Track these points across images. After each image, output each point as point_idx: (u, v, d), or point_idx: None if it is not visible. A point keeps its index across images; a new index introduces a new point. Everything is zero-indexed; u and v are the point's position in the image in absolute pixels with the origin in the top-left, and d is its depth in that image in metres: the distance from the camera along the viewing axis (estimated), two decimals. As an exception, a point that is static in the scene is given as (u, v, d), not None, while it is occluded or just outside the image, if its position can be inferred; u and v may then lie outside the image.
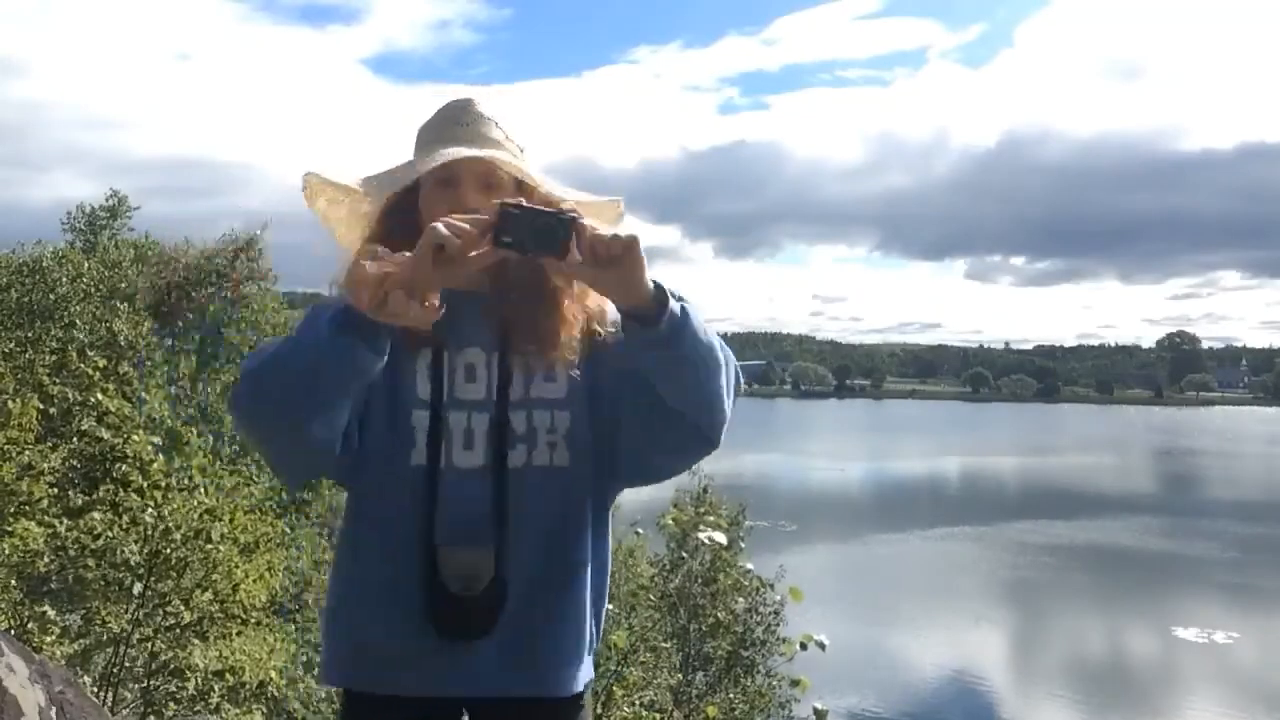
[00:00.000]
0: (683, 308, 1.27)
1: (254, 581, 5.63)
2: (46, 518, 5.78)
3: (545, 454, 1.44)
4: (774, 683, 6.93)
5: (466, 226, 1.20)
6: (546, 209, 1.22)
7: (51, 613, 5.32)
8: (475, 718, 1.51)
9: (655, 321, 1.26)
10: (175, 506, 5.19)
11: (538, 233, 1.20)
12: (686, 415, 1.37)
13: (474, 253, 1.21)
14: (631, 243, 1.20)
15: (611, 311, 1.42)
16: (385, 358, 1.29)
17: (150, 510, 5.16)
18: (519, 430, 1.43)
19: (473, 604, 1.39)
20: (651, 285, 1.24)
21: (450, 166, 1.39)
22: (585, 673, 1.50)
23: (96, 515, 5.27)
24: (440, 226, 1.19)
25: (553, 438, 1.44)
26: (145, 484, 5.26)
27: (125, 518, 5.21)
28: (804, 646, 4.26)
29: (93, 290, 11.05)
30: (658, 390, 1.36)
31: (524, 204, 1.23)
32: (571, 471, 1.45)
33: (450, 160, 1.38)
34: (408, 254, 1.20)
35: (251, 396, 1.34)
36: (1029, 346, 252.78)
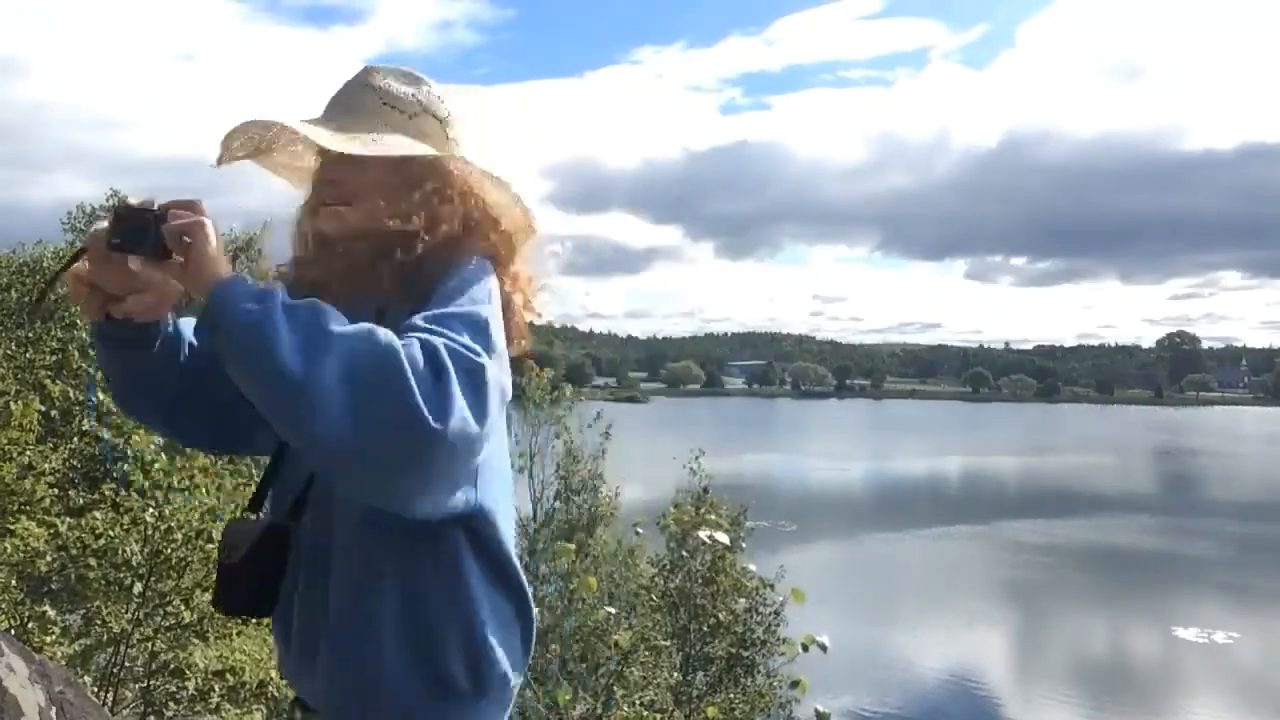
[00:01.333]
0: (235, 289, 1.13)
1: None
2: (48, 517, 5.79)
3: None
4: (774, 683, 6.93)
5: (100, 228, 1.20)
6: (149, 208, 1.16)
7: (52, 612, 5.32)
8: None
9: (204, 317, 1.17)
10: (176, 506, 5.19)
11: (130, 232, 1.15)
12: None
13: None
14: (197, 224, 1.17)
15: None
16: (158, 347, 1.34)
17: (151, 510, 5.16)
18: None
19: (233, 573, 1.37)
20: (218, 279, 1.15)
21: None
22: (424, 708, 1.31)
23: (97, 515, 5.28)
24: (97, 226, 1.22)
25: None
26: (146, 484, 5.27)
27: (126, 518, 5.21)
28: (805, 648, 4.25)
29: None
30: None
31: (133, 204, 1.17)
32: None
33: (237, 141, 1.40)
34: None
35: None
36: (1029, 346, 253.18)
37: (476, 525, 1.35)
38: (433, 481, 1.19)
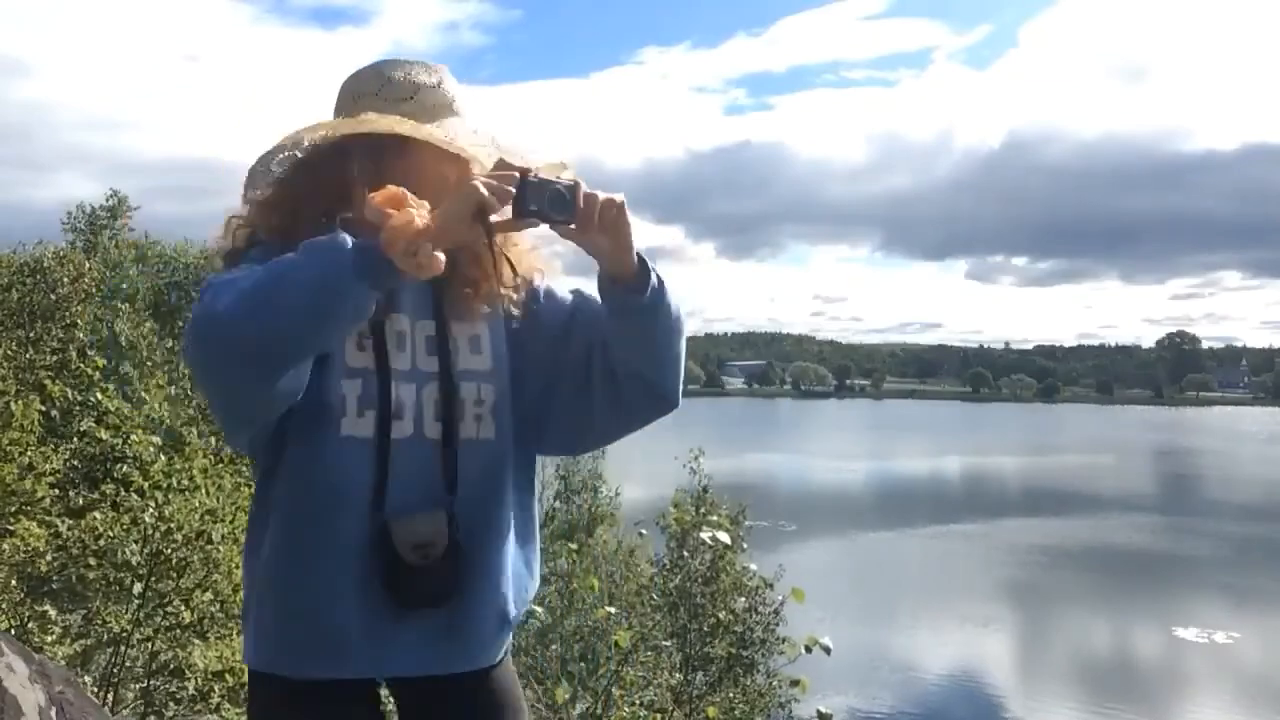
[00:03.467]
0: (659, 276, 1.34)
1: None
2: (48, 518, 5.78)
3: (473, 427, 1.42)
4: (774, 683, 6.92)
5: (506, 189, 1.22)
6: (553, 179, 1.27)
7: (52, 612, 5.32)
8: (401, 696, 1.48)
9: (642, 288, 1.33)
10: (176, 507, 5.19)
11: (553, 199, 1.25)
12: (647, 377, 1.41)
13: (499, 218, 1.24)
14: (623, 204, 1.28)
15: (538, 281, 1.51)
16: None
17: (151, 510, 5.16)
18: (467, 401, 1.43)
19: (431, 572, 1.35)
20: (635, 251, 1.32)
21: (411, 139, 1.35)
22: (507, 640, 1.51)
23: (98, 515, 5.28)
24: (481, 187, 1.20)
25: (479, 410, 1.42)
26: (146, 484, 5.27)
27: (126, 518, 5.21)
28: (809, 649, 4.25)
29: (94, 290, 11.05)
30: (619, 355, 1.41)
31: (537, 173, 1.26)
32: (496, 444, 1.44)
33: (425, 139, 1.35)
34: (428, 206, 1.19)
35: (236, 331, 1.16)
36: (1029, 346, 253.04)
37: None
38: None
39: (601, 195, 1.27)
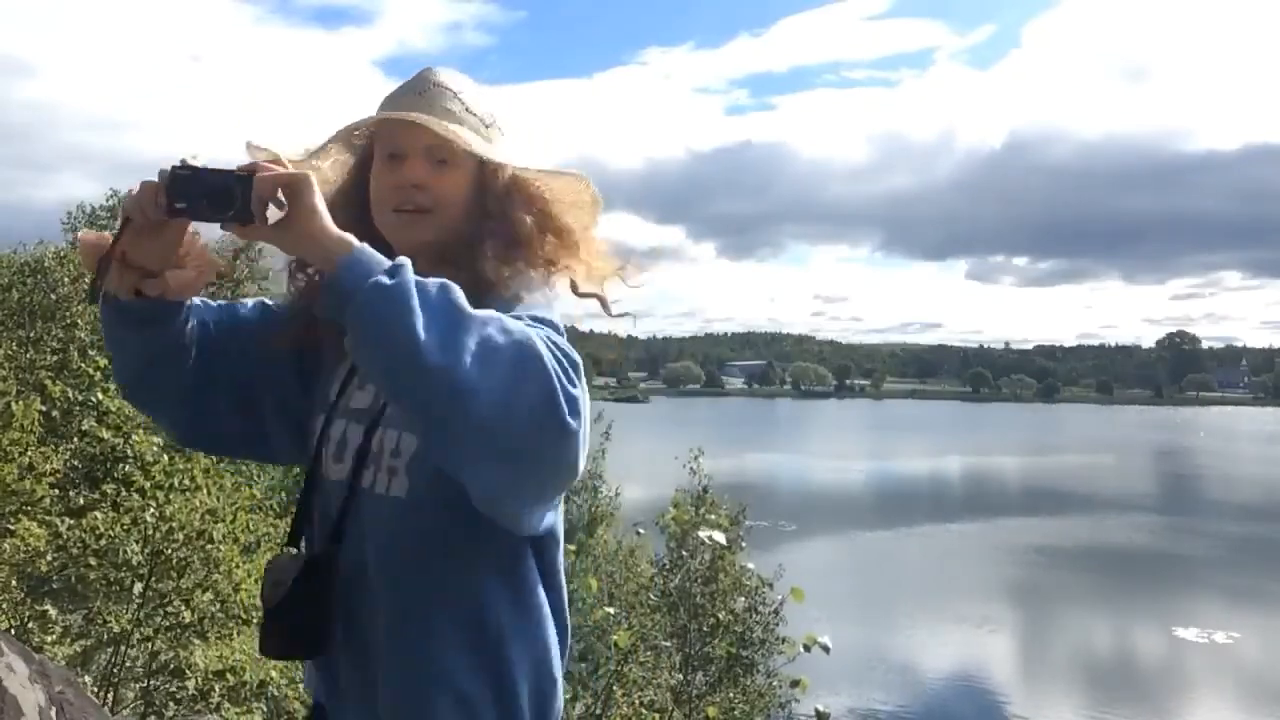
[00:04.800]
0: (361, 266, 1.04)
1: (255, 581, 5.62)
2: (48, 517, 5.78)
3: (383, 479, 1.23)
4: (774, 683, 6.92)
5: (149, 194, 1.08)
6: (221, 168, 1.08)
7: (53, 612, 5.32)
8: None
9: (332, 290, 1.05)
10: (177, 507, 5.19)
11: (212, 195, 1.06)
12: (416, 424, 1.12)
13: (154, 220, 1.10)
14: (294, 182, 1.06)
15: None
16: (171, 327, 1.26)
17: (151, 510, 5.17)
18: (373, 449, 1.25)
19: (279, 616, 1.25)
20: (344, 245, 1.06)
21: (397, 139, 1.26)
22: None
23: (98, 515, 5.27)
24: (130, 194, 1.11)
25: (395, 463, 1.22)
26: (147, 484, 5.27)
27: (127, 518, 5.21)
28: (808, 648, 4.26)
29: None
30: None
31: (195, 165, 1.07)
32: (408, 502, 1.21)
33: (379, 121, 1.26)
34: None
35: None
36: (1029, 346, 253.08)
37: (544, 545, 1.26)
38: (554, 484, 1.14)
39: (281, 172, 1.08)
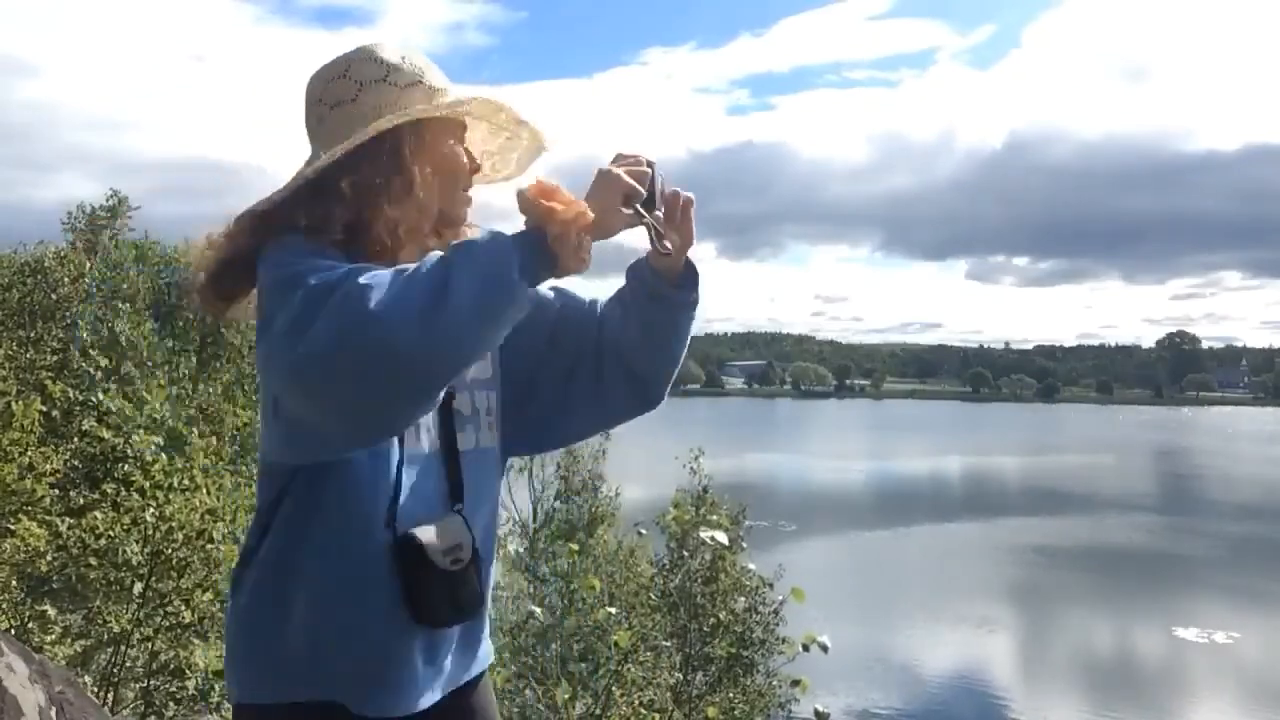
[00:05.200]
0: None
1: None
2: (48, 517, 5.79)
3: (472, 437, 1.37)
4: (774, 683, 6.93)
5: (640, 179, 1.22)
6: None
7: (53, 612, 5.32)
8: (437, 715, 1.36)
9: (690, 285, 1.37)
10: (177, 506, 5.19)
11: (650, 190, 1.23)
12: (646, 376, 1.43)
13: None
14: (692, 201, 1.31)
15: None
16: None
17: (151, 510, 5.16)
18: (465, 412, 1.36)
19: (463, 580, 1.28)
20: None
21: (462, 124, 1.35)
22: None
23: (98, 515, 5.28)
24: (624, 175, 1.19)
25: (490, 419, 1.41)
26: (147, 484, 5.27)
27: (127, 518, 5.21)
28: (806, 648, 4.25)
29: (94, 291, 11.06)
30: (631, 351, 1.41)
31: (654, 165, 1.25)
32: (495, 451, 1.43)
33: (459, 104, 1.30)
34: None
35: (403, 335, 1.03)
36: (1029, 346, 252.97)
37: None
38: None
39: (682, 193, 1.30)
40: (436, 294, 1.04)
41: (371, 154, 1.22)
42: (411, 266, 1.09)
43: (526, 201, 1.13)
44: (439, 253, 1.10)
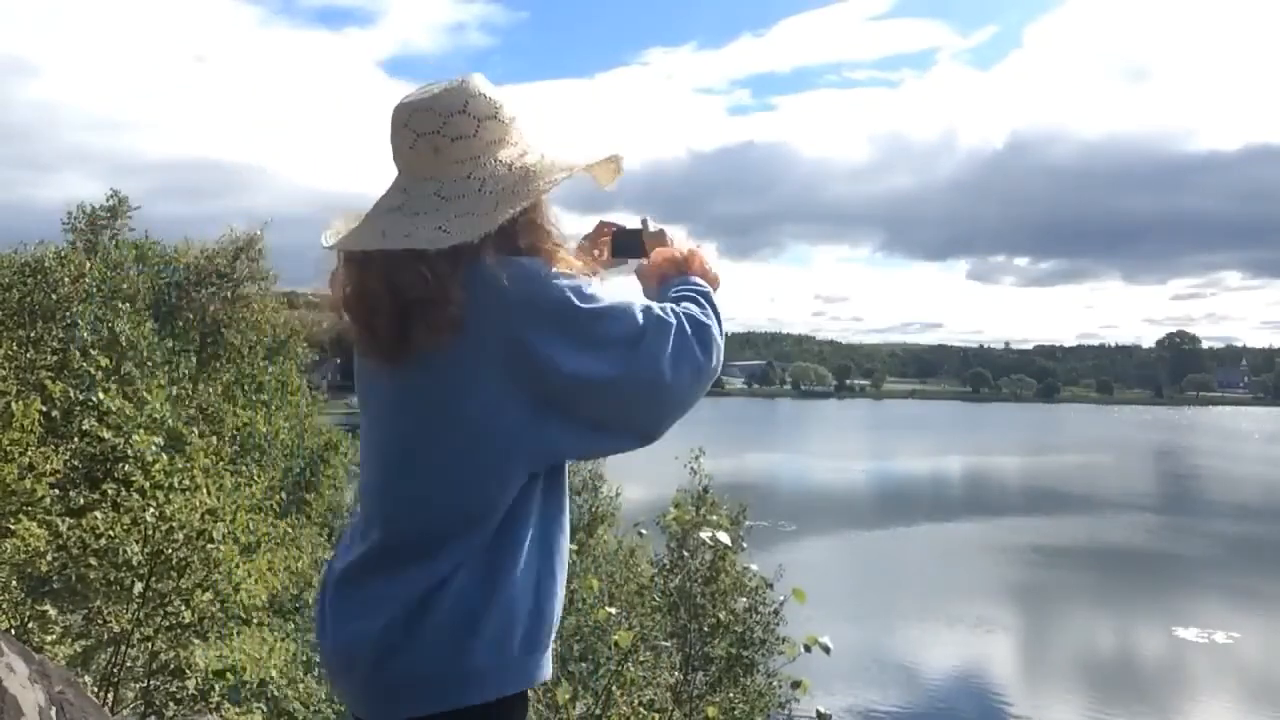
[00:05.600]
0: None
1: (255, 581, 5.63)
2: (48, 517, 5.78)
3: None
4: (774, 683, 6.92)
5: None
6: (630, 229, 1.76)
7: (53, 612, 5.32)
8: None
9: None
10: (177, 506, 5.19)
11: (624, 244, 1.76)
12: None
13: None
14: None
15: None
16: None
17: (151, 510, 5.16)
18: None
19: None
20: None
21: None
22: None
23: (98, 515, 5.27)
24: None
25: None
26: (147, 484, 5.27)
27: (127, 518, 5.21)
28: (808, 649, 4.25)
29: (94, 291, 11.05)
30: None
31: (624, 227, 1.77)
32: None
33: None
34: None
35: (713, 374, 1.47)
36: (1029, 346, 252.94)
37: None
38: None
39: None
40: (718, 345, 1.46)
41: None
42: (696, 312, 1.47)
43: (696, 261, 1.62)
44: (706, 293, 1.55)
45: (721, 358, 1.46)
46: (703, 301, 1.51)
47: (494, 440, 1.32)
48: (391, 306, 1.31)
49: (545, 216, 1.43)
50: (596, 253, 1.72)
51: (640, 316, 1.37)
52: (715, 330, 1.45)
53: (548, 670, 1.39)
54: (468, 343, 1.30)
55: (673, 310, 1.43)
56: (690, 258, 1.62)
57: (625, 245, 1.73)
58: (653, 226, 1.73)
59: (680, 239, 1.70)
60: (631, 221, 1.75)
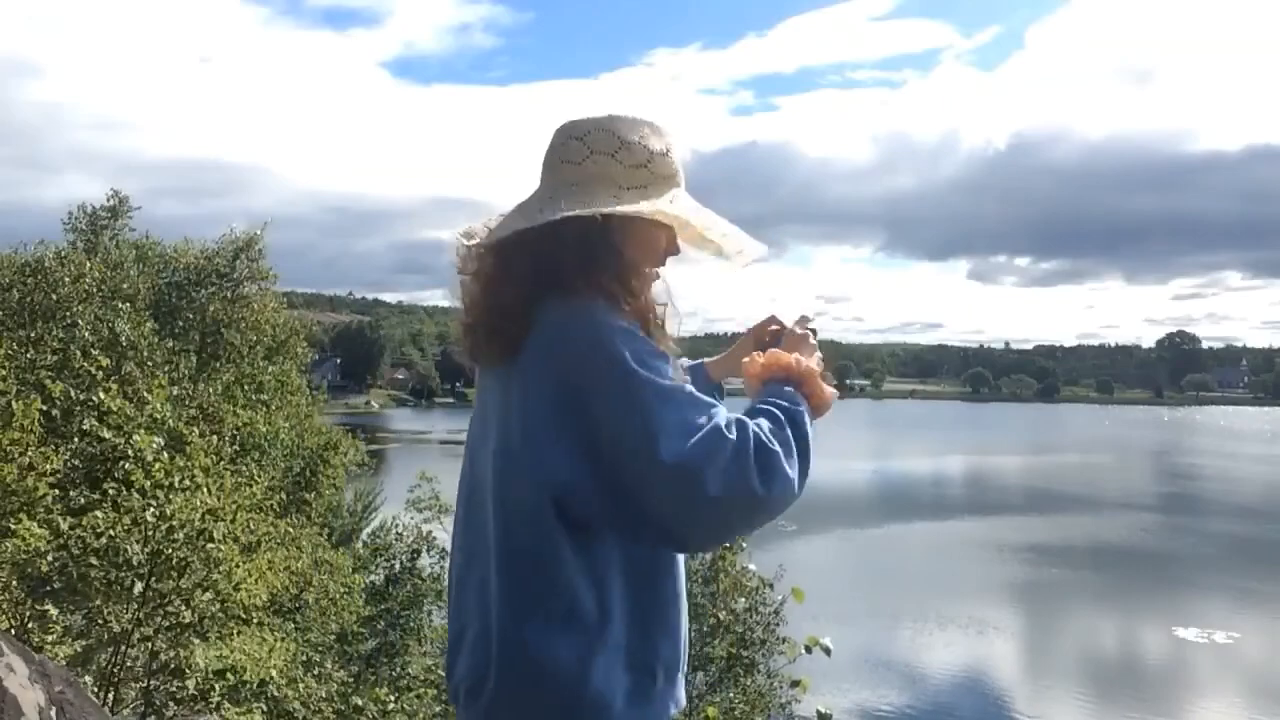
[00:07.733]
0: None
1: (255, 581, 5.63)
2: (49, 517, 5.78)
3: None
4: (774, 683, 6.92)
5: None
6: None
7: (53, 612, 5.32)
8: None
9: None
10: (177, 506, 5.19)
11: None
12: None
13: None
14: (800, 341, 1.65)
15: None
16: None
17: (152, 510, 5.16)
18: None
19: None
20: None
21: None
22: None
23: (99, 515, 5.27)
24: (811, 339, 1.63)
25: None
26: (147, 484, 5.26)
27: (127, 518, 5.21)
28: (809, 650, 4.25)
29: (94, 291, 11.06)
30: None
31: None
32: None
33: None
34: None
35: (789, 503, 1.35)
36: (1029, 346, 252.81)
37: None
38: None
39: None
40: (800, 477, 1.34)
41: (643, 231, 1.40)
42: (768, 431, 1.33)
43: (809, 376, 1.48)
44: (797, 414, 1.42)
45: (790, 489, 1.29)
46: (784, 422, 1.36)
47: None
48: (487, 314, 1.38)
49: (646, 276, 1.42)
50: (756, 352, 1.54)
51: (702, 414, 1.25)
52: (782, 458, 1.28)
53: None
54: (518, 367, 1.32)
55: (743, 424, 1.29)
56: (806, 374, 1.47)
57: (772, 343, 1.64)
58: (808, 328, 1.63)
59: (815, 356, 1.55)
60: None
